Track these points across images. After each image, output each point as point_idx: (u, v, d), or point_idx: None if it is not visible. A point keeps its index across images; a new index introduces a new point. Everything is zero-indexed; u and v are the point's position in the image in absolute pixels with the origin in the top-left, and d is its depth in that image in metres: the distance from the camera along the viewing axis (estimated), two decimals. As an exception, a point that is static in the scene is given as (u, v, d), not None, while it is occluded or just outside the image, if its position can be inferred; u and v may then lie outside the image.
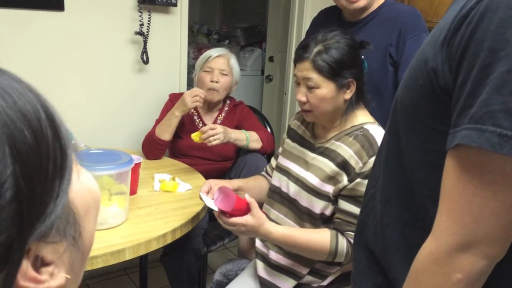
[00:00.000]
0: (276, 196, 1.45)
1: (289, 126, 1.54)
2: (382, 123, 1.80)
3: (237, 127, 2.08)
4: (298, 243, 1.28)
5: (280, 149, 1.54)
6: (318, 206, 1.33)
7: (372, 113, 1.83)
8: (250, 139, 1.96)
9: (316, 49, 1.27)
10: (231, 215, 1.24)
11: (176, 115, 1.92)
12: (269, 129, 2.23)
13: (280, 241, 1.29)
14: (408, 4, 2.52)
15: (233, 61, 2.12)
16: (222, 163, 2.08)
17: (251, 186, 1.53)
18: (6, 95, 0.34)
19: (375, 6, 1.79)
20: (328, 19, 1.93)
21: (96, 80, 2.20)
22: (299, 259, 1.37)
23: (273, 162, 1.58)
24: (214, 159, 2.06)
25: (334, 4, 1.91)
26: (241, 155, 2.06)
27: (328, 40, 1.28)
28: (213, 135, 1.78)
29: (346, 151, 1.29)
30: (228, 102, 2.17)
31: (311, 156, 1.38)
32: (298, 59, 1.31)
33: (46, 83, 2.05)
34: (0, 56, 1.91)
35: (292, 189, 1.40)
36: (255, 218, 1.24)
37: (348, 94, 1.31)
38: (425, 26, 1.79)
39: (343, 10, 1.84)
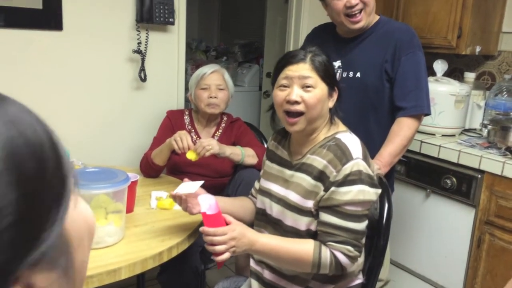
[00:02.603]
0: (263, 218, 1.45)
1: (267, 148, 1.53)
2: (379, 138, 1.82)
3: (234, 143, 2.09)
4: (283, 252, 1.27)
5: (262, 171, 1.53)
6: (302, 223, 1.32)
7: (369, 128, 1.85)
8: (246, 154, 1.96)
9: (310, 54, 1.31)
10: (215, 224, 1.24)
11: (169, 147, 1.90)
12: (266, 145, 2.24)
13: (264, 249, 1.27)
14: (403, 20, 2.56)
15: (227, 75, 2.15)
16: (220, 179, 2.09)
17: (236, 206, 1.51)
18: (14, 125, 0.35)
19: (371, 23, 1.84)
20: (323, 35, 1.97)
21: (94, 98, 2.22)
22: (293, 278, 1.36)
23: (256, 184, 1.57)
24: (212, 175, 2.06)
25: (327, 21, 1.95)
26: (238, 171, 2.07)
27: (316, 50, 1.33)
28: (205, 146, 1.79)
29: (320, 162, 1.29)
30: (225, 118, 2.19)
31: (289, 173, 1.37)
32: (292, 60, 1.31)
33: (45, 102, 2.07)
34: (0, 76, 1.93)
35: (275, 209, 1.39)
36: (239, 225, 1.26)
37: (331, 103, 1.33)
38: (419, 43, 1.83)
39: (340, 27, 1.87)
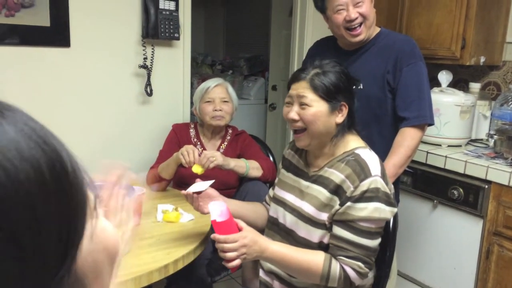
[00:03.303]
0: (274, 227, 1.46)
1: (283, 156, 1.56)
2: (382, 149, 1.82)
3: (239, 156, 2.10)
4: (293, 261, 1.27)
5: (277, 179, 1.56)
6: (315, 235, 1.32)
7: (372, 139, 1.85)
8: (250, 166, 1.98)
9: (313, 71, 1.33)
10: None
11: (176, 162, 1.91)
12: (271, 158, 2.25)
13: (275, 257, 1.28)
14: (406, 31, 2.58)
15: (231, 88, 2.18)
16: (225, 191, 2.08)
17: (248, 210, 1.53)
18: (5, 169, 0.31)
19: (371, 35, 1.85)
20: (324, 48, 1.99)
21: (101, 113, 2.25)
22: None
23: (271, 192, 1.59)
24: (217, 187, 2.06)
25: (330, 34, 1.97)
26: (243, 183, 2.07)
27: (325, 66, 1.34)
28: (209, 157, 1.80)
29: (338, 176, 1.30)
30: (230, 131, 2.21)
31: (305, 184, 1.38)
32: (295, 79, 1.36)
33: (53, 117, 2.10)
34: (8, 91, 1.96)
35: (288, 219, 1.40)
36: (250, 231, 1.26)
37: (340, 118, 1.34)
38: (420, 54, 1.84)
39: (341, 40, 1.89)
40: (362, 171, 1.27)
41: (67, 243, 0.34)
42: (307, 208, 1.34)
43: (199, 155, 1.83)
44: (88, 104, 2.21)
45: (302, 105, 1.31)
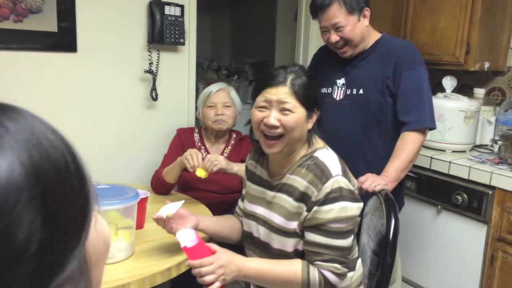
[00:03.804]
0: (251, 241, 1.45)
1: (246, 168, 1.52)
2: (384, 152, 1.83)
3: (243, 160, 2.11)
4: (271, 275, 1.26)
5: (244, 191, 1.53)
6: (289, 244, 1.32)
7: (373, 142, 1.86)
8: None
9: (291, 76, 1.30)
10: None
11: (180, 166, 1.93)
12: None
13: (252, 274, 1.27)
14: (410, 37, 2.59)
15: (233, 93, 2.19)
16: (229, 196, 2.11)
17: (222, 225, 1.50)
18: (41, 148, 0.35)
19: (371, 41, 1.88)
20: (328, 54, 2.00)
21: (106, 117, 2.28)
22: None
23: (240, 204, 1.56)
24: (221, 191, 2.09)
25: None
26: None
27: (298, 71, 1.32)
28: (213, 161, 1.82)
29: (301, 183, 1.29)
30: (234, 135, 2.22)
31: (271, 195, 1.37)
32: (272, 83, 1.29)
33: (59, 121, 2.12)
34: (16, 95, 1.99)
35: (262, 232, 1.39)
36: (224, 252, 1.25)
37: (310, 124, 1.33)
38: (421, 59, 1.86)
39: None
40: (322, 174, 1.26)
41: (83, 222, 0.37)
42: (277, 219, 1.33)
43: (203, 159, 1.84)
44: (94, 108, 2.23)
45: (284, 110, 1.27)
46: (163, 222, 1.38)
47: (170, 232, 1.39)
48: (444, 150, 2.38)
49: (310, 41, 2.87)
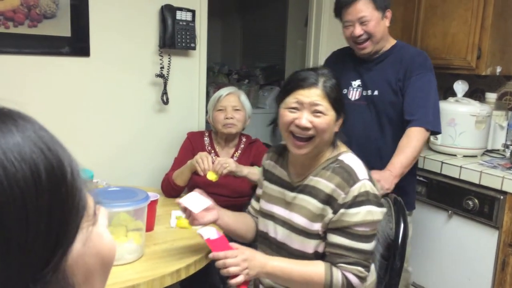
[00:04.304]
0: (265, 241, 1.45)
1: (263, 168, 1.53)
2: (395, 149, 1.86)
3: (253, 163, 2.12)
4: (294, 274, 1.27)
5: (260, 191, 1.53)
6: (310, 246, 1.33)
7: (387, 140, 1.94)
8: None
9: (322, 79, 1.31)
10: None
11: (190, 169, 1.94)
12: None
13: (275, 271, 1.27)
14: (421, 42, 2.58)
15: (243, 97, 2.20)
16: (239, 199, 2.11)
17: (240, 223, 1.51)
18: (6, 162, 0.35)
19: (387, 47, 1.98)
20: (342, 58, 2.08)
21: (118, 120, 2.31)
22: None
23: (254, 204, 1.57)
24: (231, 195, 2.10)
25: (345, 43, 2.03)
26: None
27: (327, 73, 1.33)
28: (223, 164, 1.83)
29: (327, 185, 1.29)
30: (244, 139, 2.23)
31: (291, 195, 1.37)
32: (303, 85, 1.30)
33: (72, 124, 2.16)
34: (30, 99, 2.04)
35: (280, 233, 1.39)
36: (246, 248, 1.27)
37: (337, 127, 1.34)
38: (431, 66, 1.92)
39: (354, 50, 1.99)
40: (350, 177, 1.27)
41: (56, 243, 0.36)
42: (298, 219, 1.34)
43: (213, 163, 1.86)
44: (106, 111, 2.27)
45: (316, 113, 1.28)
46: (188, 213, 1.41)
47: (191, 222, 1.42)
48: (455, 155, 2.37)
49: (320, 46, 2.88)
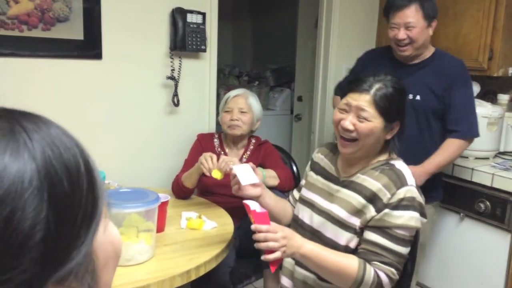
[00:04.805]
0: (298, 227, 1.47)
1: (312, 159, 1.59)
2: (432, 151, 1.99)
3: (261, 164, 2.13)
4: (328, 261, 1.26)
5: (303, 182, 1.58)
6: (343, 237, 1.34)
7: (424, 143, 2.04)
8: (267, 175, 2.00)
9: (377, 85, 1.32)
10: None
11: (197, 171, 1.95)
12: (294, 168, 2.28)
13: (311, 255, 1.26)
14: (433, 42, 2.56)
15: (252, 99, 2.20)
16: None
17: (279, 207, 1.55)
18: (54, 147, 0.38)
19: (427, 54, 2.07)
20: (378, 58, 2.17)
21: (130, 122, 2.33)
22: None
23: (295, 194, 1.62)
24: (240, 196, 2.10)
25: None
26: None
27: (387, 82, 1.34)
28: (227, 161, 1.84)
29: (373, 184, 1.32)
30: (253, 141, 2.24)
31: (335, 188, 1.41)
32: (356, 89, 1.34)
33: (84, 126, 2.19)
34: (43, 101, 2.07)
35: (316, 220, 1.42)
36: (286, 228, 1.29)
37: (389, 135, 1.36)
38: (469, 76, 2.08)
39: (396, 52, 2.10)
40: (398, 179, 1.30)
41: (92, 218, 0.40)
42: (338, 211, 1.36)
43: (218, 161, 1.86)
44: (118, 113, 2.29)
45: (361, 117, 1.31)
46: (233, 176, 1.47)
47: (236, 192, 1.48)
48: (467, 157, 2.35)
49: (330, 47, 2.88)
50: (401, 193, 1.27)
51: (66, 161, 0.38)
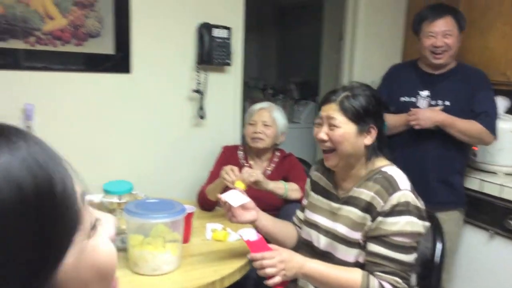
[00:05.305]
0: (309, 249, 1.48)
1: (310, 178, 1.59)
2: (457, 154, 2.15)
3: (284, 177, 2.14)
4: (331, 277, 1.29)
5: (305, 201, 1.58)
6: (351, 255, 1.34)
7: (448, 146, 2.13)
8: (289, 188, 2.00)
9: (344, 94, 1.37)
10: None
11: (221, 184, 1.95)
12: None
13: (313, 273, 1.30)
14: (460, 56, 2.53)
15: (277, 113, 2.22)
16: (271, 213, 2.12)
17: (278, 228, 1.56)
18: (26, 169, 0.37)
19: (453, 64, 2.21)
20: (405, 72, 2.31)
21: (157, 134, 2.38)
22: None
23: (299, 214, 1.62)
24: (263, 208, 2.11)
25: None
26: (284, 205, 2.09)
27: (355, 89, 1.38)
28: (250, 172, 1.85)
29: (367, 194, 1.32)
30: (277, 154, 2.25)
31: (336, 207, 1.41)
32: (325, 101, 1.40)
33: (113, 137, 2.25)
34: (75, 113, 2.14)
35: (323, 242, 1.42)
36: (285, 250, 1.31)
37: (368, 140, 1.36)
38: (490, 83, 2.20)
39: (424, 60, 2.24)
40: (390, 185, 1.29)
41: (42, 258, 0.37)
42: (341, 228, 1.37)
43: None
44: (145, 125, 2.35)
45: (331, 126, 1.36)
46: (227, 208, 1.48)
47: (230, 218, 1.49)
48: (495, 173, 2.30)
49: (355, 60, 2.88)
50: (394, 198, 1.26)
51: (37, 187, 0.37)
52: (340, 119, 1.34)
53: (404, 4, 2.93)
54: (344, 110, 1.34)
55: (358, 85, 1.40)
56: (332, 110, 1.36)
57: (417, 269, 1.46)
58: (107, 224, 0.47)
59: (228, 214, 1.49)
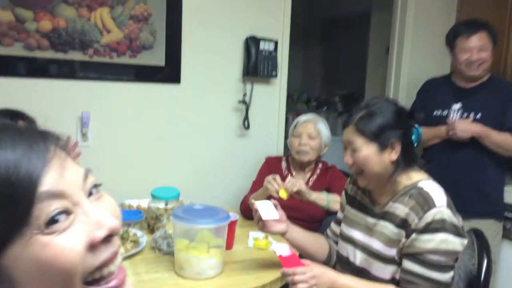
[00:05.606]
0: (345, 265, 1.47)
1: (346, 192, 1.58)
2: (491, 167, 2.17)
3: (327, 189, 2.14)
4: None
5: (341, 215, 1.57)
6: (387, 272, 1.32)
7: (483, 158, 2.15)
8: (332, 199, 2.00)
9: (359, 114, 1.34)
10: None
11: (264, 194, 1.97)
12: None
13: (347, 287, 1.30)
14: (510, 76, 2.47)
15: (321, 125, 2.23)
16: (312, 224, 2.14)
17: (308, 241, 1.56)
18: None
19: (485, 78, 2.25)
20: (438, 86, 2.36)
21: (203, 144, 2.46)
22: None
23: (334, 227, 1.61)
24: (305, 219, 2.12)
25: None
26: (326, 216, 2.10)
27: (371, 106, 1.35)
28: (293, 182, 1.88)
29: (402, 210, 1.29)
30: (320, 165, 2.26)
31: (372, 222, 1.40)
32: (344, 125, 1.39)
33: (162, 146, 2.34)
34: (125, 122, 2.25)
35: (359, 257, 1.41)
36: (316, 265, 1.31)
37: (393, 155, 1.32)
38: None
39: (457, 74, 2.28)
40: (425, 202, 1.25)
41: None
42: (376, 245, 1.35)
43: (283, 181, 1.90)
44: (192, 134, 2.43)
45: (353, 149, 1.35)
46: (257, 216, 1.51)
47: (260, 228, 1.52)
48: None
49: (401, 74, 2.85)
50: (429, 216, 1.22)
51: None
52: (359, 142, 1.33)
53: (453, 16, 2.88)
54: (361, 132, 1.32)
55: (376, 101, 1.37)
56: (350, 134, 1.35)
57: (462, 287, 1.43)
58: (97, 226, 0.46)
59: (259, 224, 1.51)
